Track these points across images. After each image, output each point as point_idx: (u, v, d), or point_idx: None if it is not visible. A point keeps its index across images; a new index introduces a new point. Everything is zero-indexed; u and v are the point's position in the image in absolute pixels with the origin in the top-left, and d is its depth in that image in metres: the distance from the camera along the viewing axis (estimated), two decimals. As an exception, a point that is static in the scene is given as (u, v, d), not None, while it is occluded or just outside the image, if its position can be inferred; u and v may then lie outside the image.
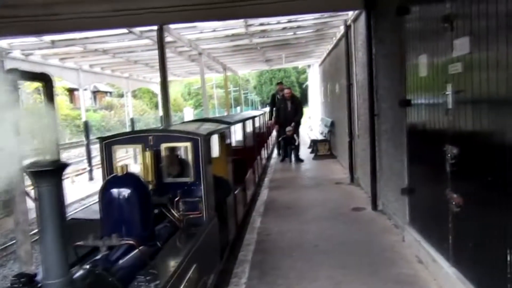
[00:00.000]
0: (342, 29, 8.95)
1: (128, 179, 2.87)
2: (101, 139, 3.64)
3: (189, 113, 38.69)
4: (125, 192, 2.79)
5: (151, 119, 40.10)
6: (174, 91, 59.78)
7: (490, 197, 2.91)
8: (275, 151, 14.07)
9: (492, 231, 2.91)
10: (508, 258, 2.68)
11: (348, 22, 8.26)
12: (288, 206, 7.16)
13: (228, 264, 4.75)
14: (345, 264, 4.48)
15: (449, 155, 3.56)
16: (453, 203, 3.52)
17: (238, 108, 31.24)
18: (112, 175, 3.04)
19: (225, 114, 17.16)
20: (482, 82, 2.95)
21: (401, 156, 5.08)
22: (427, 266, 4.16)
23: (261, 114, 12.53)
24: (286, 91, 12.08)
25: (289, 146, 12.13)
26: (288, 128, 11.71)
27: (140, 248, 2.71)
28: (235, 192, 5.55)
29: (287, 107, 11.89)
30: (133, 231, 2.78)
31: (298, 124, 12.04)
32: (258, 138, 10.56)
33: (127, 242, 2.62)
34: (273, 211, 6.91)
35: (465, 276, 3.38)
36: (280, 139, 12.35)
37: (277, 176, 10.33)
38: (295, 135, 11.93)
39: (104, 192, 2.84)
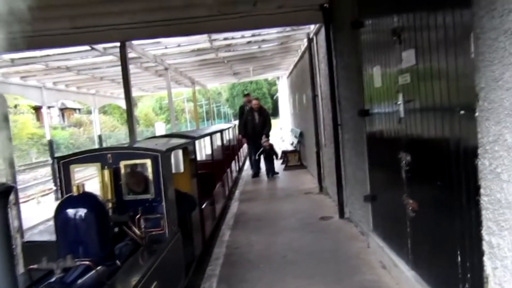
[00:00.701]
0: (305, 42, 9.16)
1: (84, 198, 2.83)
2: (58, 159, 3.59)
3: (161, 128, 38.24)
4: (81, 212, 2.75)
5: (122, 135, 39.49)
6: (145, 106, 59.20)
7: (440, 201, 3.04)
8: (247, 163, 13.94)
9: (443, 233, 3.03)
10: (459, 259, 2.80)
11: (311, 35, 8.47)
12: (257, 218, 7.18)
13: (195, 279, 4.71)
14: (312, 274, 4.52)
15: (403, 162, 3.70)
16: (410, 208, 3.64)
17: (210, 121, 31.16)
18: (67, 195, 3.00)
19: (195, 128, 17.10)
20: (428, 91, 3.10)
21: (363, 164, 5.21)
22: (390, 271, 4.26)
23: (230, 127, 12.56)
24: (254, 102, 11.58)
25: (267, 160, 11.34)
26: (264, 139, 11.20)
27: (98, 268, 2.68)
28: (202, 207, 5.54)
29: (254, 119, 11.39)
30: (90, 252, 2.74)
31: (267, 136, 11.61)
32: (227, 151, 10.58)
33: (83, 263, 2.58)
34: (242, 223, 6.92)
35: (423, 279, 3.49)
36: (258, 154, 11.40)
37: (248, 188, 10.35)
38: (273, 146, 11.48)
39: (59, 212, 2.80)
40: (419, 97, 3.27)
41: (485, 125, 2.31)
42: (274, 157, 11.77)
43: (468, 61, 2.47)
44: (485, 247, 2.43)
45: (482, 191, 2.42)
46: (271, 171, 11.41)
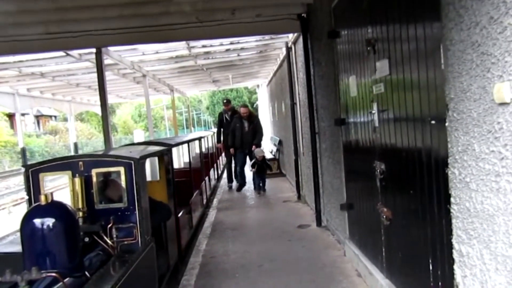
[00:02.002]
0: (284, 50, 9.22)
1: (52, 207, 2.74)
2: (27, 167, 3.48)
3: (139, 135, 37.77)
4: (48, 221, 2.65)
5: (99, 142, 38.82)
6: (124, 113, 58.44)
7: (413, 209, 3.07)
8: (225, 173, 13.57)
9: (416, 242, 3.06)
10: (430, 267, 2.82)
11: (289, 44, 8.53)
12: (235, 227, 7.13)
13: (170, 290, 4.63)
14: (288, 283, 4.50)
15: (378, 170, 3.73)
16: (384, 216, 3.67)
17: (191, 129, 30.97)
18: (34, 205, 2.90)
19: (174, 135, 16.93)
20: (401, 101, 3.15)
21: (340, 173, 5.25)
22: (365, 279, 4.27)
23: (209, 135, 12.47)
24: (242, 110, 10.33)
25: (259, 174, 10.01)
26: (258, 150, 9.91)
27: (65, 280, 2.59)
28: (179, 215, 5.45)
29: (243, 127, 10.21)
30: (57, 263, 2.65)
31: (258, 146, 10.29)
32: (206, 159, 10.49)
33: (49, 275, 2.49)
34: (219, 232, 6.85)
35: (397, 287, 3.51)
36: (250, 166, 10.12)
37: (226, 197, 10.27)
38: (266, 159, 10.16)
39: (25, 222, 2.69)
40: (393, 106, 3.31)
41: (455, 135, 2.35)
42: (267, 169, 10.36)
43: (438, 72, 2.51)
44: (455, 255, 2.45)
45: (452, 200, 2.45)
46: (262, 187, 10.16)
